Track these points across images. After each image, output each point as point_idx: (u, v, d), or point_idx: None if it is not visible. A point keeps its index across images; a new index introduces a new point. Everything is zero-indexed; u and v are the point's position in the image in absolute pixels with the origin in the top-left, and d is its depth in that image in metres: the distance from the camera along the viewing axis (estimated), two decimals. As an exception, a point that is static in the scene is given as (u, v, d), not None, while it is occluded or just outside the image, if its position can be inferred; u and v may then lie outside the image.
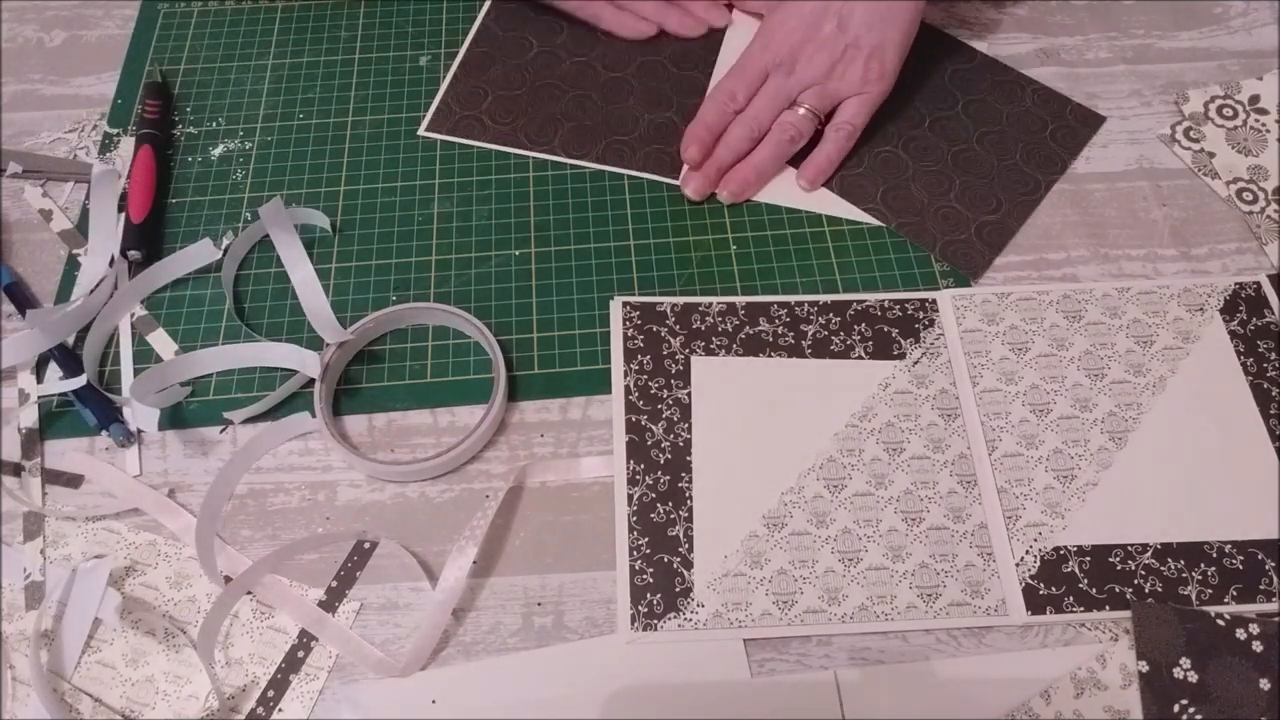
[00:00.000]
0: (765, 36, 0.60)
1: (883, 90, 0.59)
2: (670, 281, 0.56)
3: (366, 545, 0.48)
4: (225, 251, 0.56)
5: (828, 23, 0.58)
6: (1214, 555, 0.47)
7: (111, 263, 0.55)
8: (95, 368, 0.53)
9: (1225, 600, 0.46)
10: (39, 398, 0.52)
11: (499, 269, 0.57)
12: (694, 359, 0.53)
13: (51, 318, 0.52)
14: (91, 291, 0.54)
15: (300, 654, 0.45)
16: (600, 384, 0.53)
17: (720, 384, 0.52)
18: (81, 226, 0.58)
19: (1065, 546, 0.47)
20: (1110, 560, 0.47)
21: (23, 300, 0.55)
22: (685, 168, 0.59)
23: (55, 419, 0.52)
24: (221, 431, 0.52)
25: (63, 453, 0.51)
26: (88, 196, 0.59)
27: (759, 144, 0.59)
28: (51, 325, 0.52)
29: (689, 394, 0.52)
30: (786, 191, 0.59)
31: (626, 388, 0.52)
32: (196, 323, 0.55)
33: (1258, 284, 0.55)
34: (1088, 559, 0.47)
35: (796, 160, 0.59)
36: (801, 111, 0.58)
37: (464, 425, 0.51)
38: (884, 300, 0.55)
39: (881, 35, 0.58)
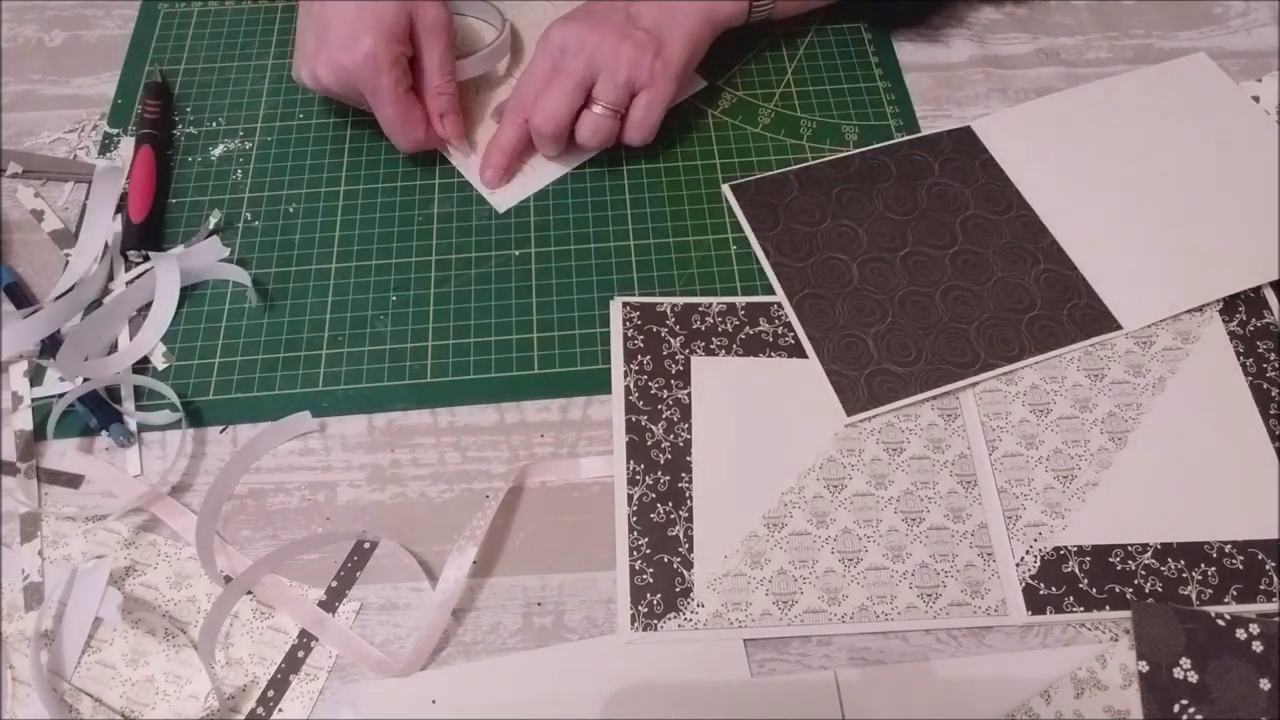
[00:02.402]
0: (547, 35, 0.58)
1: (670, 90, 0.57)
2: (670, 281, 0.56)
3: (366, 545, 0.48)
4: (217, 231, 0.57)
5: (616, 16, 0.57)
6: (1214, 555, 0.47)
7: (103, 254, 0.55)
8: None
9: (1225, 600, 0.46)
10: (34, 400, 0.52)
11: (499, 269, 0.57)
12: (694, 359, 0.53)
13: (20, 321, 0.52)
14: (73, 287, 0.54)
15: (300, 654, 0.45)
16: (600, 384, 0.53)
17: (720, 384, 0.52)
18: (78, 226, 0.58)
19: (1065, 546, 0.47)
20: (1110, 560, 0.47)
21: (23, 300, 0.55)
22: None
23: (55, 419, 0.51)
24: (221, 431, 0.52)
25: (63, 453, 0.51)
26: (88, 196, 0.59)
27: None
28: (28, 323, 0.52)
29: (689, 394, 0.52)
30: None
31: (626, 388, 0.52)
32: (196, 323, 0.55)
33: (1257, 285, 0.55)
34: (1088, 559, 0.47)
35: None
36: (598, 110, 0.56)
37: (464, 425, 0.51)
38: (884, 300, 0.55)
39: (669, 32, 0.57)
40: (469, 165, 0.61)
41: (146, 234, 0.57)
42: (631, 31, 0.56)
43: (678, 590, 0.46)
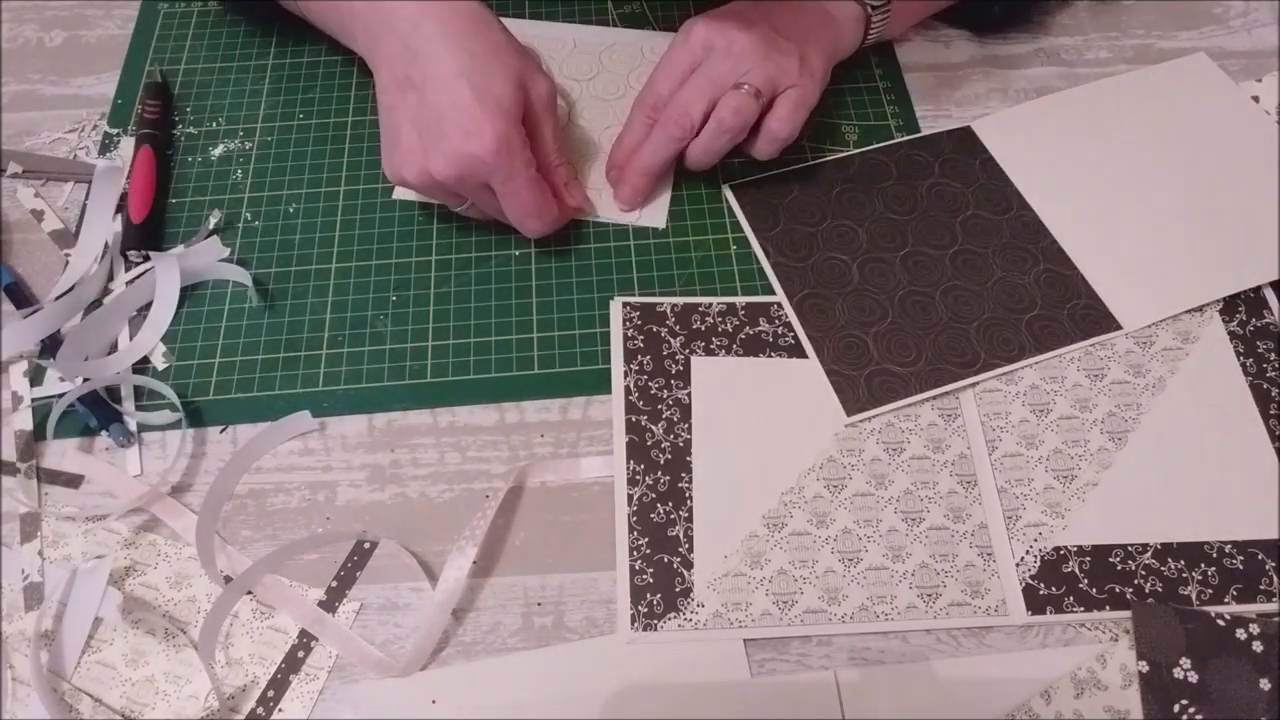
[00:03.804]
0: (689, 31, 0.56)
1: (814, 92, 0.55)
2: (670, 281, 0.56)
3: (366, 545, 0.48)
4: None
5: (762, 24, 0.55)
6: (1214, 555, 0.47)
7: (103, 254, 0.55)
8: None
9: (1225, 600, 0.46)
10: (34, 400, 0.52)
11: (499, 269, 0.57)
12: (694, 359, 0.53)
13: (20, 321, 0.52)
14: (73, 287, 0.54)
15: (300, 654, 0.45)
16: (600, 384, 0.53)
17: (720, 384, 0.52)
18: (78, 226, 0.58)
19: (1065, 546, 0.47)
20: (1110, 560, 0.47)
21: (23, 300, 0.55)
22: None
23: (55, 419, 0.51)
24: (221, 431, 0.52)
25: (63, 453, 0.51)
26: (88, 196, 0.59)
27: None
28: (28, 323, 0.52)
29: (689, 394, 0.52)
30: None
31: (626, 388, 0.52)
32: (196, 323, 0.55)
33: (1257, 285, 0.55)
34: (1088, 559, 0.47)
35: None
36: (745, 88, 0.53)
37: (464, 425, 0.51)
38: (884, 300, 0.55)
39: (807, 41, 0.56)
40: (602, 205, 0.59)
41: (146, 234, 0.57)
42: (778, 40, 0.54)
43: (678, 590, 0.46)
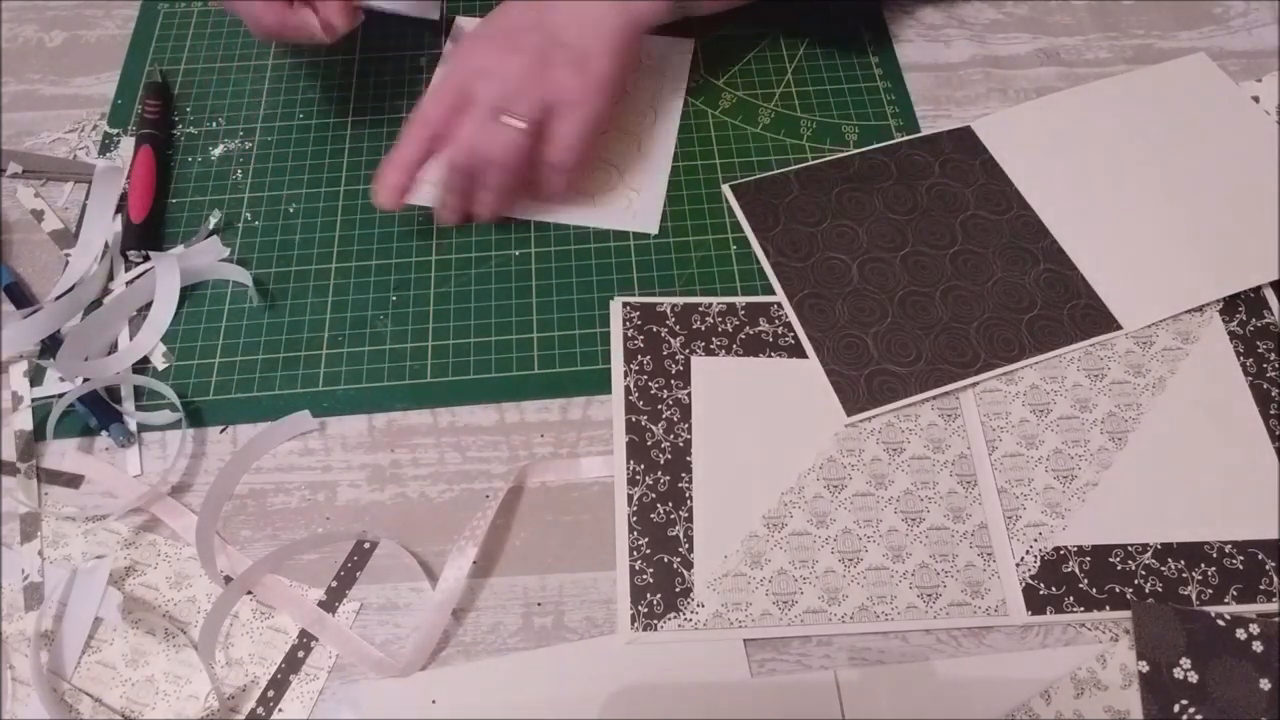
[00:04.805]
0: (460, 52, 0.54)
1: (599, 107, 0.53)
2: (670, 281, 0.56)
3: (366, 545, 0.48)
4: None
5: (528, 25, 0.53)
6: (1214, 555, 0.47)
7: (103, 254, 0.55)
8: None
9: (1225, 600, 0.46)
10: (34, 400, 0.52)
11: (499, 269, 0.57)
12: (694, 359, 0.53)
13: (20, 321, 0.52)
14: (73, 287, 0.54)
15: (300, 654, 0.45)
16: (600, 384, 0.53)
17: (720, 384, 0.52)
18: (78, 226, 0.58)
19: (1065, 546, 0.47)
20: (1110, 560, 0.47)
21: (23, 300, 0.55)
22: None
23: (55, 419, 0.51)
24: (221, 431, 0.52)
25: (63, 453, 0.51)
26: (88, 196, 0.59)
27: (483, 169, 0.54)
28: (28, 323, 0.52)
29: (689, 394, 0.52)
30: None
31: (626, 388, 0.52)
32: (196, 323, 0.55)
33: (1257, 285, 0.55)
34: (1088, 559, 0.47)
35: None
36: (509, 119, 0.52)
37: (464, 425, 0.51)
38: (884, 300, 0.55)
39: (588, 41, 0.53)
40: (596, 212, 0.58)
41: (146, 234, 0.57)
42: (552, 53, 0.52)
43: (678, 590, 0.46)
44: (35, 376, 0.53)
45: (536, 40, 0.53)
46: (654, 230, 0.58)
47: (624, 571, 0.47)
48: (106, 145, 0.62)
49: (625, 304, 0.55)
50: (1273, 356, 0.52)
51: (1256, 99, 0.63)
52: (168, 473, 0.50)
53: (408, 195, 0.54)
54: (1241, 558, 0.47)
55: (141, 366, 0.53)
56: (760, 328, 0.54)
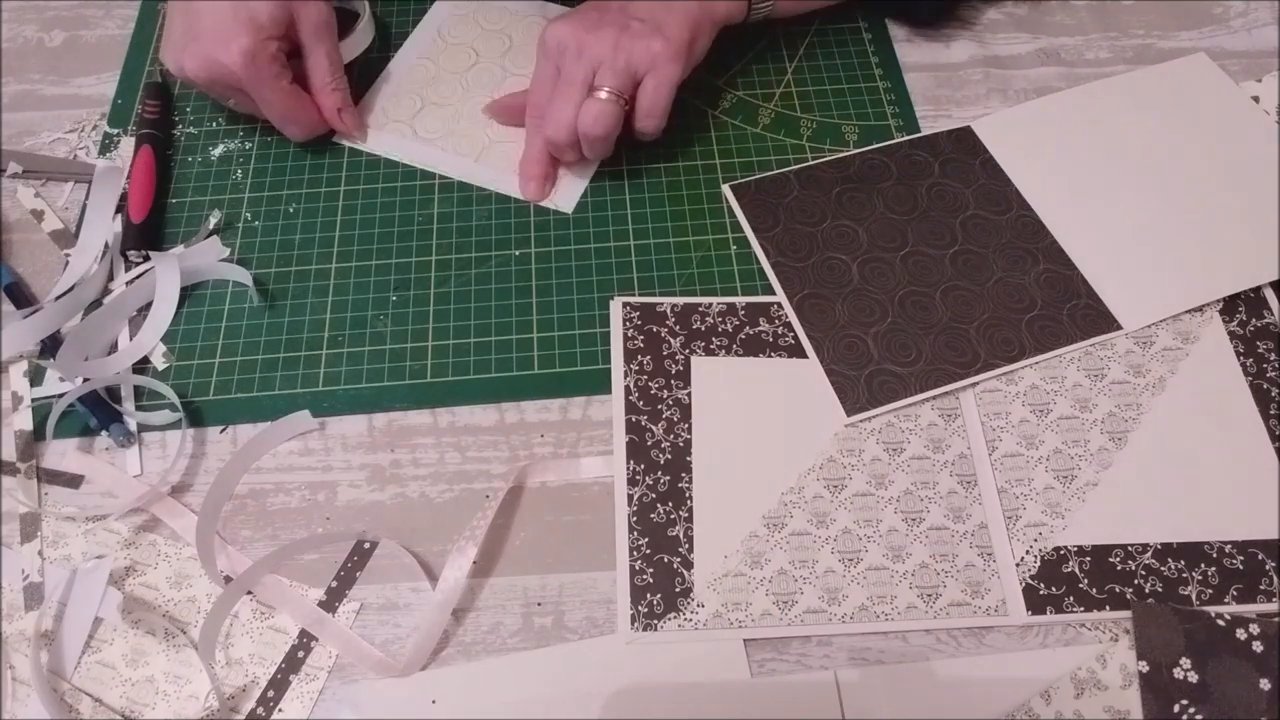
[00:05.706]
0: (548, 37, 0.57)
1: (676, 70, 0.55)
2: (670, 281, 0.56)
3: (366, 545, 0.48)
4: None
5: (611, 12, 0.56)
6: (1214, 555, 0.47)
7: (103, 254, 0.55)
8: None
9: (1225, 600, 0.46)
10: (34, 400, 0.52)
11: (499, 269, 0.57)
12: (694, 359, 0.53)
13: (20, 321, 0.52)
14: (73, 287, 0.54)
15: (300, 654, 0.45)
16: (600, 384, 0.53)
17: (720, 384, 0.52)
18: (78, 226, 0.58)
19: (1065, 546, 0.47)
20: (1110, 560, 0.47)
21: (23, 300, 0.55)
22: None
23: (55, 419, 0.52)
24: (221, 431, 0.52)
25: (63, 453, 0.51)
26: (88, 196, 0.59)
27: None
28: (28, 323, 0.52)
29: (689, 394, 0.52)
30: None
31: (626, 388, 0.52)
32: (196, 323, 0.55)
33: (1257, 285, 0.55)
34: (1088, 559, 0.47)
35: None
36: (603, 95, 0.54)
37: (464, 425, 0.51)
38: (884, 300, 0.55)
39: (662, 15, 0.56)
40: (497, 181, 0.60)
41: (146, 234, 0.57)
42: (628, 23, 0.55)
43: (678, 590, 0.46)
44: (35, 376, 0.53)
45: (613, 15, 0.56)
46: (569, 210, 0.59)
47: (624, 571, 0.47)
48: (106, 145, 0.62)
49: (625, 304, 0.55)
50: (1273, 356, 0.52)
51: (1256, 99, 0.63)
52: (168, 473, 0.50)
53: (550, 180, 0.59)
54: (1241, 558, 0.47)
55: (141, 366, 0.53)
56: (760, 328, 0.54)
